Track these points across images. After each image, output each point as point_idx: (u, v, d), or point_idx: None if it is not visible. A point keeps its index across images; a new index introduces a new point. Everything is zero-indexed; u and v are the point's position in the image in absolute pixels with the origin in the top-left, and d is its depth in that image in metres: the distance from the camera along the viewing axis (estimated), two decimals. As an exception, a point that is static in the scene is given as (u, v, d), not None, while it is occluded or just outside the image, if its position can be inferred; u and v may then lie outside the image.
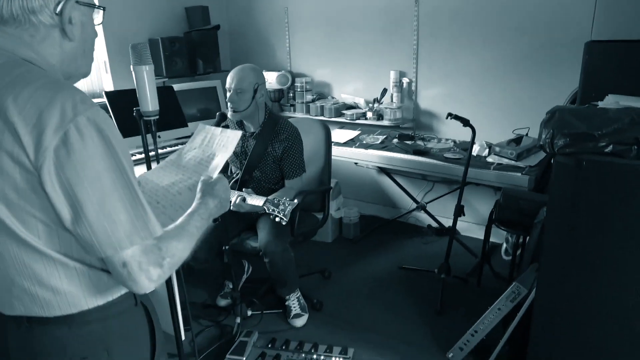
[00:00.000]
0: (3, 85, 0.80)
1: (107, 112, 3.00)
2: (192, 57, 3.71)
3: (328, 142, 2.71)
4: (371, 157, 3.12)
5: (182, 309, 2.60)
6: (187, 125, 3.25)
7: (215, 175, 1.19)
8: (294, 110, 3.86)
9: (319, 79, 3.88)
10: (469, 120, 2.55)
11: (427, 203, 3.35)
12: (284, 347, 2.26)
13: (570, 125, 1.51)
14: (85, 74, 1.01)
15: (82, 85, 3.34)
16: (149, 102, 1.25)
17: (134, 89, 3.28)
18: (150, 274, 0.86)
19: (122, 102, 3.10)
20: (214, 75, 3.82)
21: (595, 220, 1.53)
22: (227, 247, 2.24)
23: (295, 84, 3.79)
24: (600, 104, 1.63)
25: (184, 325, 2.41)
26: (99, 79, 3.47)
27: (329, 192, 2.67)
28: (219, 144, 1.27)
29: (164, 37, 3.50)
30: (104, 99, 3.02)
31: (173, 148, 3.21)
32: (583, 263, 1.59)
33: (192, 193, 1.16)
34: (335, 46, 3.68)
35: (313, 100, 3.77)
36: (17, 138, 0.77)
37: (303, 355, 2.19)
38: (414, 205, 3.40)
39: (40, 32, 0.88)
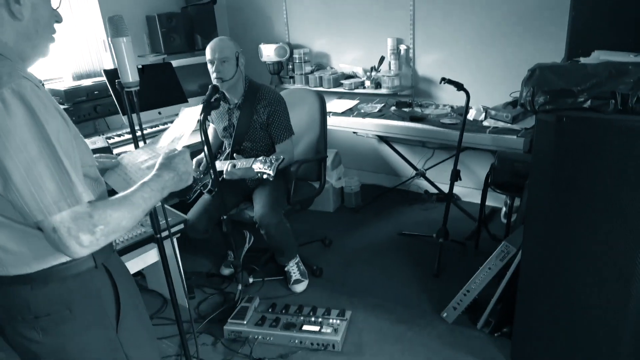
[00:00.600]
0: None
1: (107, 90, 3.07)
2: (190, 33, 3.73)
3: (323, 112, 2.73)
4: (369, 126, 3.13)
5: (187, 279, 2.71)
6: (187, 101, 3.30)
7: (179, 148, 1.21)
8: (294, 82, 3.86)
9: (317, 50, 3.86)
10: (462, 85, 2.54)
11: (426, 170, 3.36)
12: (283, 311, 2.34)
13: (550, 82, 1.51)
14: (43, 53, 1.03)
15: (81, 64, 3.38)
16: (129, 73, 1.29)
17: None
18: (81, 239, 0.89)
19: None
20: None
21: (576, 176, 1.54)
22: (225, 217, 2.30)
23: (294, 56, 3.78)
24: (583, 60, 1.62)
25: (189, 294, 2.52)
26: (99, 57, 3.51)
27: (324, 160, 2.70)
28: (184, 121, 1.32)
29: (160, 13, 3.51)
30: (104, 78, 3.07)
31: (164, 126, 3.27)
32: (565, 218, 1.61)
33: None
34: (333, 15, 3.65)
35: (312, 72, 3.76)
36: None
37: (302, 318, 2.27)
38: (414, 172, 3.41)
39: None
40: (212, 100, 2.17)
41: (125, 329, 1.11)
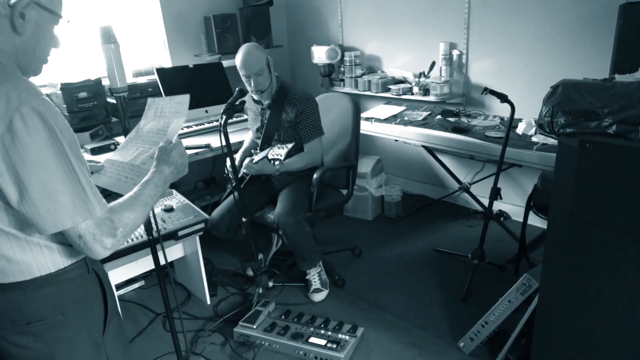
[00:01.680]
0: None
1: (157, 87, 3.21)
2: (244, 33, 3.81)
3: (356, 118, 2.65)
4: (410, 134, 2.99)
5: (214, 276, 2.77)
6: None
7: (174, 140, 1.24)
8: (343, 85, 3.80)
9: (369, 53, 3.77)
10: (506, 96, 2.33)
11: (471, 184, 3.15)
12: (295, 320, 2.31)
13: (573, 101, 1.33)
14: (35, 72, 1.06)
15: (141, 62, 3.57)
16: (117, 79, 1.32)
17: (184, 66, 3.42)
18: (105, 243, 0.97)
19: (171, 78, 3.29)
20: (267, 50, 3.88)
21: (599, 208, 1.35)
22: (244, 220, 2.32)
23: (345, 59, 3.72)
24: (619, 78, 1.40)
25: (210, 291, 2.58)
26: (159, 56, 3.69)
27: (353, 169, 2.62)
28: (170, 111, 1.32)
29: (216, 14, 3.61)
30: (155, 76, 3.22)
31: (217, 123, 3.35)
32: (586, 254, 1.42)
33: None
34: (386, 18, 3.54)
35: (362, 75, 3.68)
36: None
37: (311, 329, 2.22)
38: (458, 186, 3.21)
39: None
40: (237, 103, 2.19)
41: (109, 333, 1.13)
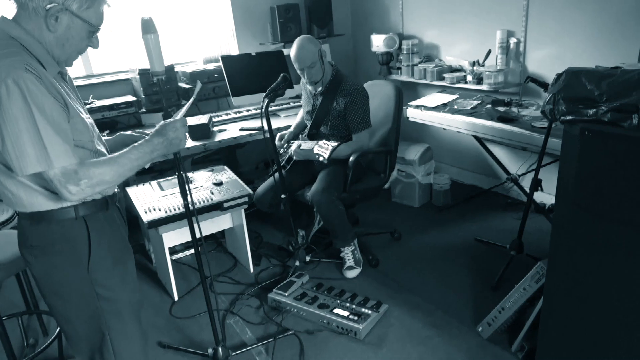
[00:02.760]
0: None
1: (221, 73, 3.49)
2: (307, 22, 3.98)
3: (399, 104, 2.72)
4: (457, 123, 2.99)
5: (259, 248, 3.01)
6: (292, 87, 3.55)
7: (179, 117, 1.45)
8: (401, 74, 3.84)
9: (428, 41, 3.77)
10: (548, 85, 2.27)
11: (520, 175, 3.08)
12: (325, 292, 2.47)
13: (576, 89, 1.33)
14: (66, 62, 1.32)
15: (211, 49, 3.87)
16: (155, 64, 1.55)
17: (247, 54, 3.67)
18: (69, 189, 1.21)
19: (234, 65, 3.56)
20: (329, 39, 4.03)
21: (600, 198, 1.34)
22: (283, 196, 2.51)
23: (402, 47, 3.76)
24: (626, 66, 1.37)
25: (255, 261, 2.82)
26: (228, 44, 3.98)
27: (391, 154, 2.70)
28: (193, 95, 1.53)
29: (280, 4, 3.82)
30: (220, 63, 3.51)
31: (281, 106, 3.57)
32: (589, 244, 1.42)
33: None
34: (446, 6, 3.52)
35: (419, 63, 3.70)
36: None
37: (338, 301, 2.37)
38: (506, 177, 3.15)
39: (32, 17, 1.21)
40: (278, 89, 2.38)
41: (96, 271, 1.36)
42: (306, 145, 2.44)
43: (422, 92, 3.79)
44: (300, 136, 2.81)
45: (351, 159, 2.52)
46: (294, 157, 2.63)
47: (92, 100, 3.31)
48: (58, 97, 1.21)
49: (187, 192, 1.74)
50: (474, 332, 2.15)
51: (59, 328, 2.18)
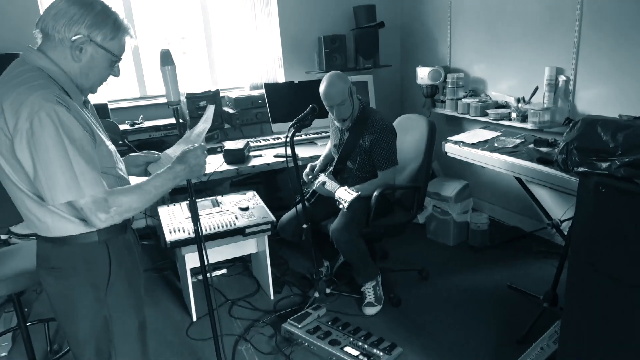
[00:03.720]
0: (13, 84, 1.23)
1: (264, 100, 3.58)
2: (354, 53, 4.02)
3: (430, 140, 2.66)
4: (495, 162, 2.85)
5: (282, 275, 3.01)
6: (321, 117, 3.55)
7: (198, 144, 1.49)
8: (445, 107, 3.76)
9: (475, 75, 3.67)
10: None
11: (562, 221, 2.87)
12: (339, 328, 2.40)
13: (589, 139, 1.24)
14: (90, 90, 1.39)
15: (259, 76, 3.99)
16: (171, 94, 1.61)
17: (290, 82, 3.77)
18: (99, 216, 1.25)
19: (277, 92, 3.65)
20: (374, 70, 4.04)
21: (611, 257, 1.22)
22: (305, 227, 2.50)
23: (447, 80, 3.68)
24: (652, 116, 1.25)
25: (276, 288, 2.82)
26: (275, 72, 4.10)
27: (419, 190, 2.62)
28: (206, 119, 1.57)
29: (326, 35, 3.89)
30: (263, 90, 3.61)
31: (320, 134, 3.60)
32: (601, 304, 1.29)
33: None
34: (494, 40, 3.43)
35: (462, 98, 3.60)
36: (4, 120, 1.20)
37: (350, 339, 2.30)
38: (547, 222, 2.95)
39: (58, 47, 1.29)
40: (305, 119, 2.40)
41: (112, 294, 1.41)
42: (330, 185, 2.42)
43: (466, 127, 3.68)
44: (327, 169, 2.80)
45: (375, 193, 2.47)
46: (316, 190, 2.62)
47: (141, 120, 3.52)
48: (86, 126, 1.28)
49: (197, 218, 1.77)
50: (490, 389, 2.00)
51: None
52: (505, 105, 3.34)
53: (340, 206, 2.27)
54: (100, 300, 1.40)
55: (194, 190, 1.72)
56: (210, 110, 1.60)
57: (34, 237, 2.62)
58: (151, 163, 1.65)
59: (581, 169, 1.24)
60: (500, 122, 3.25)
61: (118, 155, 1.47)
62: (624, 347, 1.25)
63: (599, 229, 1.25)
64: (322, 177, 2.58)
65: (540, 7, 3.03)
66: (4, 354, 2.44)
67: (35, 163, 1.20)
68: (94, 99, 3.21)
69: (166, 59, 1.58)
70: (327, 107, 2.60)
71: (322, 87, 2.57)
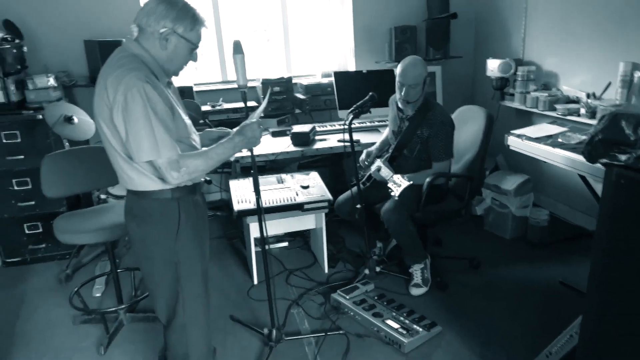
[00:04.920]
0: (115, 66, 1.54)
1: (333, 87, 3.78)
2: (425, 44, 4.08)
3: (487, 132, 2.71)
4: (557, 157, 2.83)
5: (338, 252, 3.21)
6: (378, 106, 3.66)
7: (254, 119, 1.76)
8: (514, 100, 3.72)
9: (547, 69, 3.60)
10: None
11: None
12: (384, 303, 2.57)
13: (614, 132, 1.30)
14: (175, 73, 1.69)
15: (330, 65, 4.20)
16: (240, 79, 1.86)
17: (359, 71, 3.93)
18: (172, 174, 1.55)
19: (345, 80, 3.83)
20: (443, 61, 4.08)
21: (635, 246, 1.29)
22: (358, 207, 2.68)
23: (518, 73, 3.64)
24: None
25: (331, 263, 3.04)
26: (345, 60, 4.28)
27: (472, 180, 2.69)
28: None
29: (397, 26, 3.99)
30: (332, 78, 3.81)
31: (382, 123, 3.73)
32: (621, 293, 1.35)
33: None
34: (568, 33, 3.34)
35: (530, 91, 3.55)
36: (107, 94, 1.52)
37: (393, 313, 2.46)
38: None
39: (150, 38, 1.59)
40: (364, 106, 2.57)
41: (181, 242, 1.70)
42: (384, 172, 2.54)
43: (534, 121, 3.63)
44: (383, 155, 2.93)
45: (427, 179, 2.58)
46: (369, 174, 2.77)
47: (221, 102, 3.87)
48: (167, 102, 1.57)
49: (258, 190, 2.02)
50: (523, 373, 2.07)
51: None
52: (576, 101, 3.26)
53: (392, 193, 2.41)
54: (170, 246, 1.69)
55: (264, 169, 1.97)
56: (265, 100, 1.85)
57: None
58: (222, 137, 1.92)
59: (603, 161, 1.30)
60: (569, 117, 3.18)
61: (193, 128, 1.75)
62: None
63: (620, 220, 1.31)
64: (378, 163, 2.72)
65: (618, 0, 2.92)
66: (98, 295, 2.90)
67: (127, 128, 1.50)
68: (181, 81, 3.62)
69: (237, 48, 1.83)
70: (397, 85, 2.66)
71: (401, 65, 2.64)
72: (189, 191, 1.72)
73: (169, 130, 1.53)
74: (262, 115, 1.84)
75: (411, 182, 2.40)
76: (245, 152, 1.96)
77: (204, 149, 1.66)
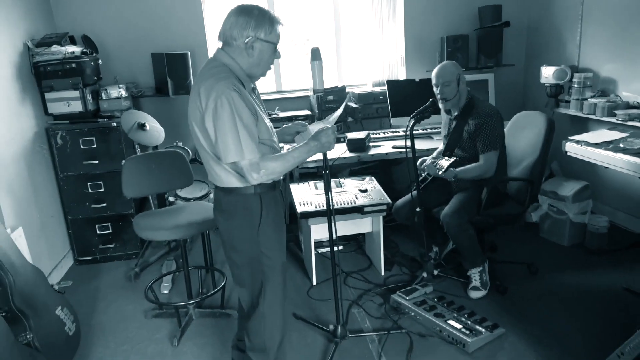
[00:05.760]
0: (207, 75, 1.69)
1: (385, 96, 3.87)
2: (476, 52, 4.12)
3: (548, 137, 2.73)
4: (618, 162, 2.80)
5: (393, 256, 3.27)
6: (439, 113, 3.73)
7: (330, 125, 1.87)
8: (569, 107, 3.71)
9: (605, 75, 3.57)
10: None
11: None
12: (445, 305, 2.61)
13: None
14: (261, 76, 1.82)
15: (381, 74, 4.29)
16: (317, 84, 1.98)
17: (411, 80, 4.02)
18: (252, 175, 1.68)
19: (397, 89, 3.92)
20: (496, 69, 4.11)
21: None
22: (418, 210, 2.74)
23: (574, 80, 3.63)
24: None
25: (387, 266, 3.10)
26: (397, 70, 4.36)
27: (532, 184, 2.70)
28: (340, 109, 1.91)
29: (449, 35, 4.05)
30: (385, 86, 3.90)
31: (435, 130, 3.78)
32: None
33: None
34: (627, 39, 3.32)
35: (587, 98, 3.53)
36: (200, 100, 1.66)
37: (455, 314, 2.49)
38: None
39: (236, 49, 1.73)
40: (425, 111, 2.65)
41: (262, 234, 1.82)
42: (442, 162, 2.63)
43: (591, 127, 3.59)
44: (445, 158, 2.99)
45: (488, 181, 2.61)
46: (425, 171, 2.83)
47: (277, 111, 4.02)
48: (251, 108, 1.70)
49: (329, 188, 2.13)
50: (591, 376, 2.07)
51: (223, 282, 2.79)
52: (637, 106, 3.22)
53: (440, 172, 2.49)
54: (253, 237, 1.82)
55: (316, 175, 2.08)
56: (342, 106, 1.94)
57: (193, 200, 3.21)
58: (300, 132, 2.04)
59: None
60: (630, 123, 3.15)
61: (273, 130, 1.88)
62: None
63: None
64: (429, 158, 2.81)
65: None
66: (166, 292, 3.06)
67: (216, 131, 1.65)
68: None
69: (315, 54, 1.95)
70: (434, 86, 2.81)
71: (435, 69, 2.81)
72: (269, 187, 1.84)
73: (252, 135, 1.66)
74: (336, 121, 1.94)
75: (455, 159, 2.54)
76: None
77: (282, 152, 1.78)
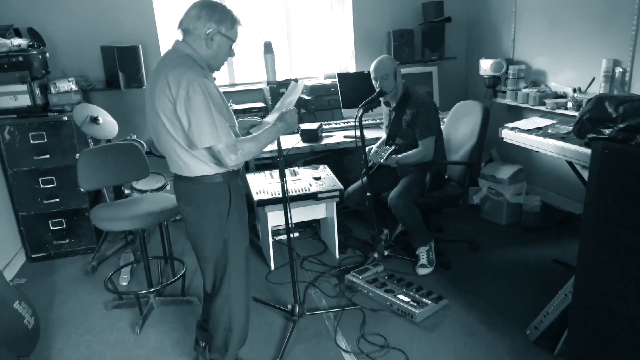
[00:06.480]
0: (172, 65, 1.75)
1: (337, 88, 4.02)
2: (419, 46, 4.35)
3: (484, 124, 2.97)
4: (547, 146, 3.08)
5: (347, 239, 3.44)
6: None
7: (290, 108, 2.00)
8: (505, 97, 4.00)
9: (537, 67, 3.88)
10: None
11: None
12: (395, 281, 2.80)
13: (599, 111, 1.55)
14: (217, 69, 1.91)
15: (331, 67, 4.44)
16: (269, 75, 2.09)
17: (360, 72, 4.19)
18: (230, 157, 1.74)
19: (348, 81, 4.07)
20: (439, 62, 4.35)
21: (618, 208, 1.53)
22: (368, 195, 2.92)
23: (509, 72, 3.92)
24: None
25: (341, 250, 3.26)
26: (346, 63, 4.53)
27: (470, 167, 2.94)
28: (293, 92, 2.04)
29: (395, 30, 4.25)
30: (336, 79, 4.05)
31: (381, 120, 3.98)
32: (615, 253, 1.59)
33: None
34: (555, 33, 3.63)
35: (524, 88, 3.83)
36: (169, 89, 1.72)
37: (404, 289, 2.69)
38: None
39: (197, 39, 1.81)
40: (372, 102, 2.82)
41: (230, 222, 1.91)
42: (373, 149, 2.85)
43: (525, 115, 3.89)
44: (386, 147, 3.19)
45: (429, 165, 2.82)
46: (370, 160, 3.02)
47: (231, 104, 4.08)
48: (220, 94, 1.80)
49: (284, 174, 2.25)
50: (523, 334, 2.31)
51: (184, 270, 2.86)
52: (563, 96, 3.54)
53: (381, 160, 2.70)
54: (222, 226, 1.90)
55: (271, 165, 2.19)
56: (300, 86, 2.06)
57: (150, 192, 3.23)
58: (254, 126, 2.14)
59: (590, 135, 1.55)
60: (557, 111, 3.46)
61: (235, 117, 1.97)
62: (631, 284, 1.54)
63: (605, 185, 1.55)
64: (374, 148, 3.00)
65: (599, 3, 3.21)
66: (125, 284, 3.08)
67: (189, 118, 1.70)
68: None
69: (268, 48, 2.06)
70: (373, 80, 3.01)
71: (373, 63, 3.01)
72: (235, 175, 1.93)
73: (225, 119, 1.75)
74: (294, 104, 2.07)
75: (394, 147, 2.77)
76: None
77: (254, 134, 1.89)
